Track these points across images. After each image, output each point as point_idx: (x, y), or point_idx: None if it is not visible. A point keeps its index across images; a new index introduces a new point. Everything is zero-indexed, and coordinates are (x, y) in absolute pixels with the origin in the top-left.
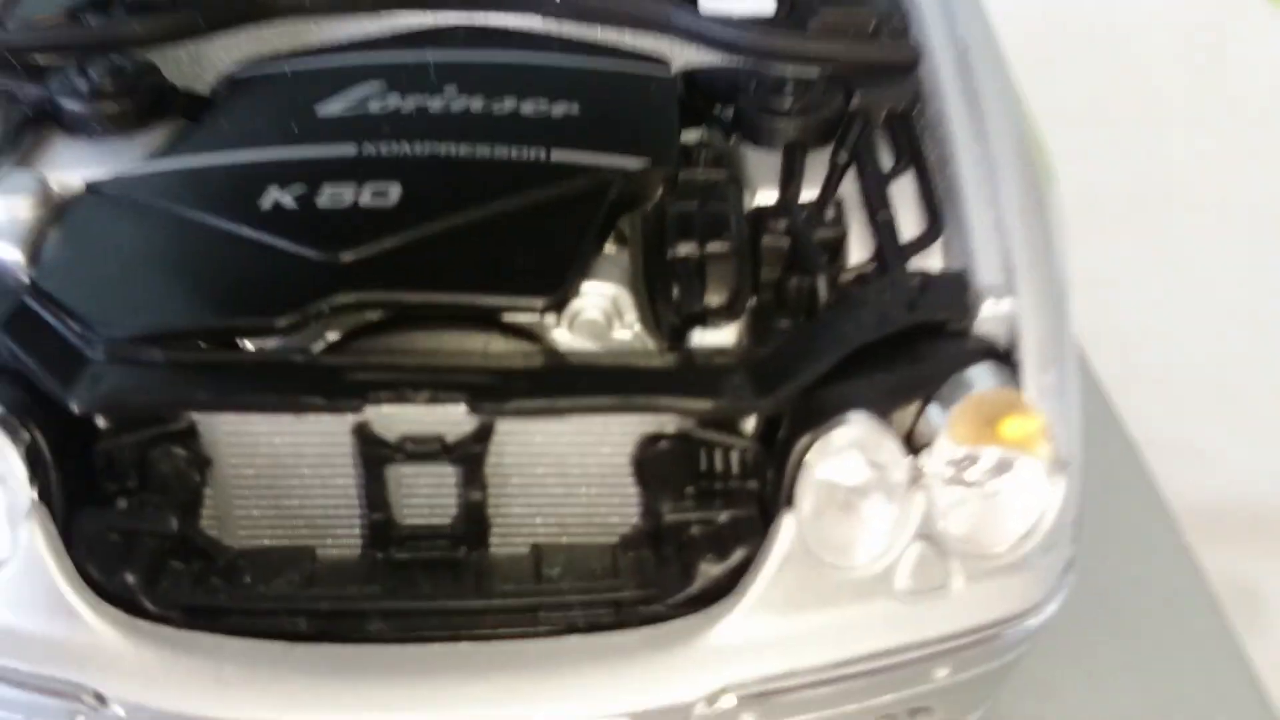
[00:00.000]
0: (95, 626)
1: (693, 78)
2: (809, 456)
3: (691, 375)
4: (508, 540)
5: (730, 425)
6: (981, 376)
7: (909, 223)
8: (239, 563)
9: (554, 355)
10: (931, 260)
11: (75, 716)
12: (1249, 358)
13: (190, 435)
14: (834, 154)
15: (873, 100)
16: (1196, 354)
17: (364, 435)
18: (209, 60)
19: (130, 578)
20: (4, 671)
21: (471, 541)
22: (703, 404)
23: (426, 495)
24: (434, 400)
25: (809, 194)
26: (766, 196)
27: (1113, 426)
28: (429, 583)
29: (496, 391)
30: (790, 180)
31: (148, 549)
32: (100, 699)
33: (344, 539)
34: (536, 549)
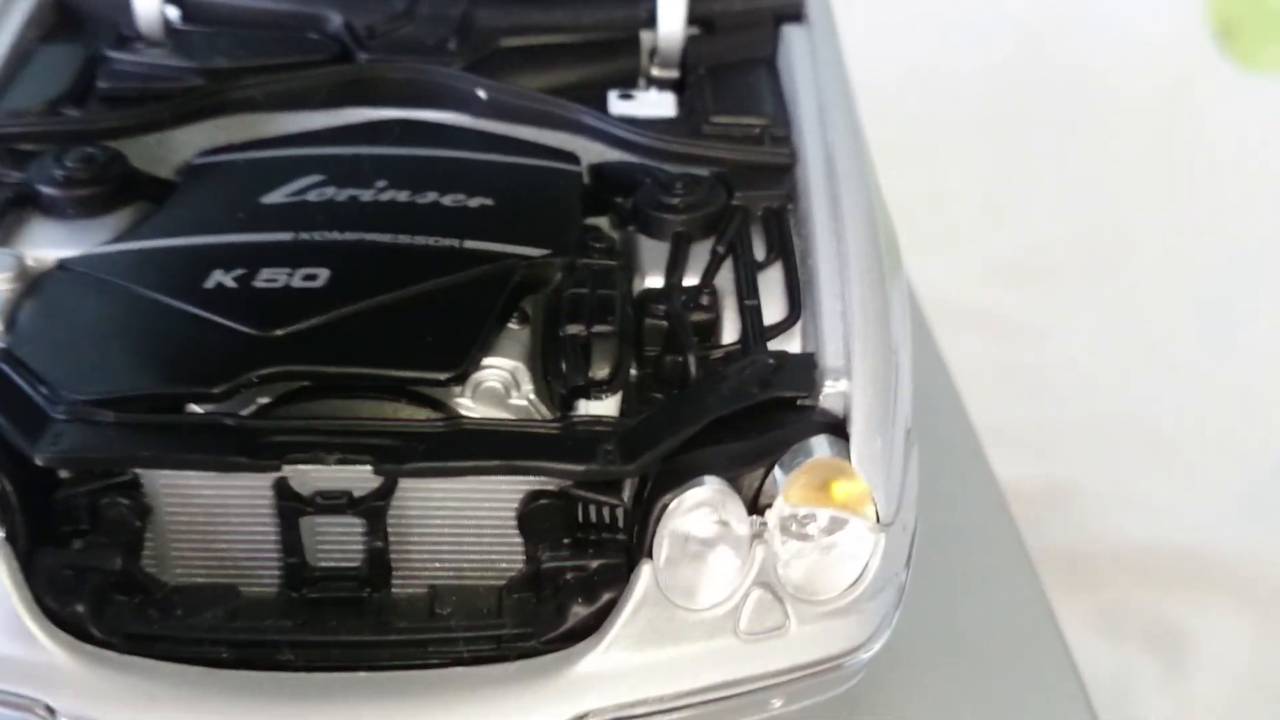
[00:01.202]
0: (48, 649)
1: (599, 171)
2: (666, 513)
3: (569, 442)
4: (408, 582)
5: (604, 485)
6: (819, 446)
7: (774, 308)
8: (173, 597)
9: (451, 421)
10: (792, 342)
11: None
12: (1182, 407)
13: (134, 486)
14: (714, 245)
15: (752, 198)
16: (1132, 402)
17: (281, 490)
18: (172, 147)
19: (80, 608)
20: None
21: (375, 583)
22: (577, 467)
23: (336, 543)
24: (343, 461)
25: (691, 280)
26: (655, 281)
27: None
28: (336, 619)
29: (398, 453)
30: (674, 268)
31: (95, 583)
32: (50, 711)
33: (265, 579)
34: (432, 590)
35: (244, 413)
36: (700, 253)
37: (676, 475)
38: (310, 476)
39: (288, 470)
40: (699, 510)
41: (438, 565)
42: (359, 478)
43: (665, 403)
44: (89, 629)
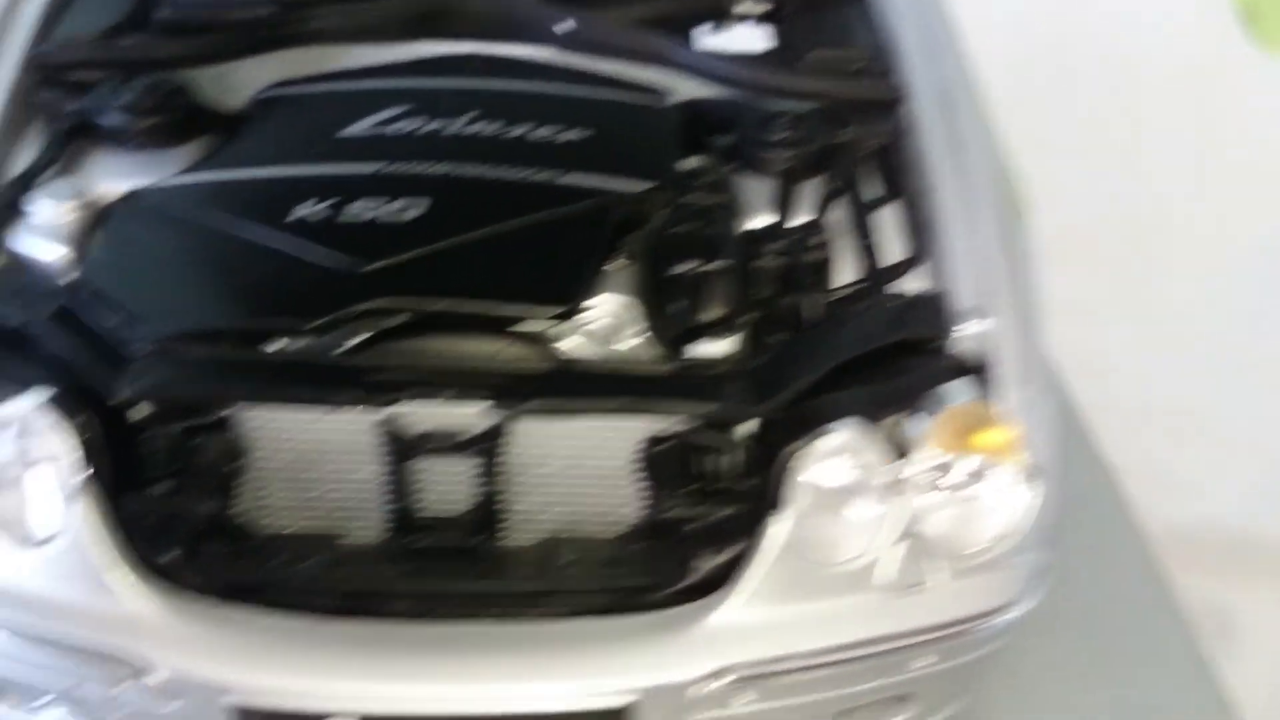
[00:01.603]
0: (139, 600)
1: (692, 108)
2: (799, 461)
3: (693, 382)
4: (518, 532)
5: (728, 429)
6: (962, 389)
7: (892, 249)
8: (268, 546)
9: (566, 360)
10: (911, 286)
11: (118, 684)
12: (1225, 387)
13: (226, 426)
14: (824, 183)
15: (860, 134)
16: (1174, 383)
17: (390, 430)
18: (237, 79)
19: (170, 556)
20: (52, 641)
21: (484, 531)
22: (703, 408)
23: (443, 488)
24: (457, 399)
25: (800, 220)
26: (760, 221)
27: (1086, 450)
28: (445, 568)
29: (515, 392)
30: (783, 206)
31: (186, 530)
32: (142, 668)
33: (364, 527)
34: (545, 540)
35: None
36: (807, 192)
37: (809, 419)
38: (418, 416)
39: (395, 409)
40: (836, 457)
41: (549, 513)
42: (471, 418)
43: (789, 343)
44: (183, 577)
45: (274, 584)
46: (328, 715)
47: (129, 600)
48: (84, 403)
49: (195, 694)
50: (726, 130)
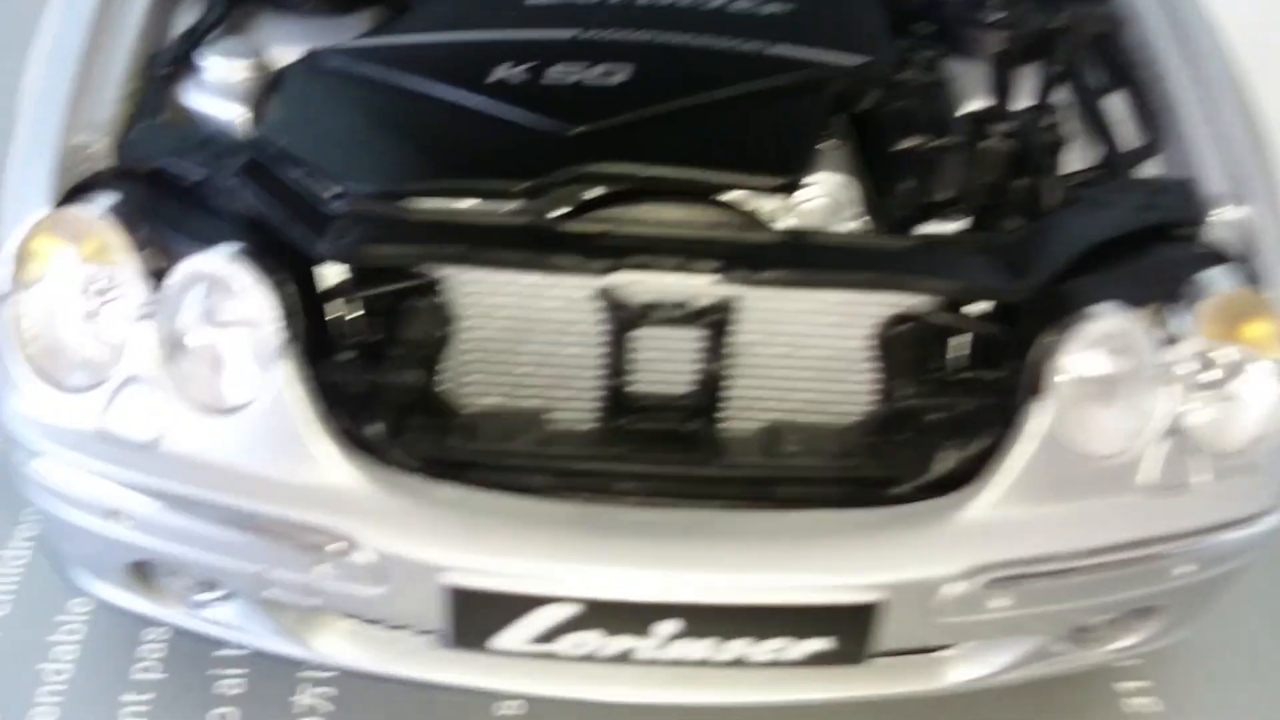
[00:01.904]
0: (344, 473)
1: None
2: (1060, 346)
3: (941, 256)
4: (738, 417)
5: (975, 311)
6: (1222, 278)
7: (1125, 136)
8: (475, 422)
9: (800, 230)
10: (1149, 172)
11: (317, 565)
12: None
13: (432, 292)
14: (1045, 66)
15: (1078, 20)
16: None
17: (611, 299)
18: None
19: (376, 427)
20: (245, 517)
21: (705, 414)
22: (959, 284)
23: (661, 365)
24: (684, 267)
25: (1021, 105)
26: (977, 104)
27: None
28: (664, 451)
29: (748, 261)
30: (1000, 90)
31: (391, 401)
32: (349, 545)
33: (571, 406)
34: (769, 426)
35: None
36: (1022, 78)
37: (1066, 303)
38: (642, 285)
39: (618, 276)
40: (1099, 343)
41: (771, 398)
42: (697, 289)
43: (1037, 225)
44: (387, 452)
45: (484, 462)
46: (549, 599)
47: (333, 473)
48: (276, 256)
49: (406, 575)
50: (929, 13)
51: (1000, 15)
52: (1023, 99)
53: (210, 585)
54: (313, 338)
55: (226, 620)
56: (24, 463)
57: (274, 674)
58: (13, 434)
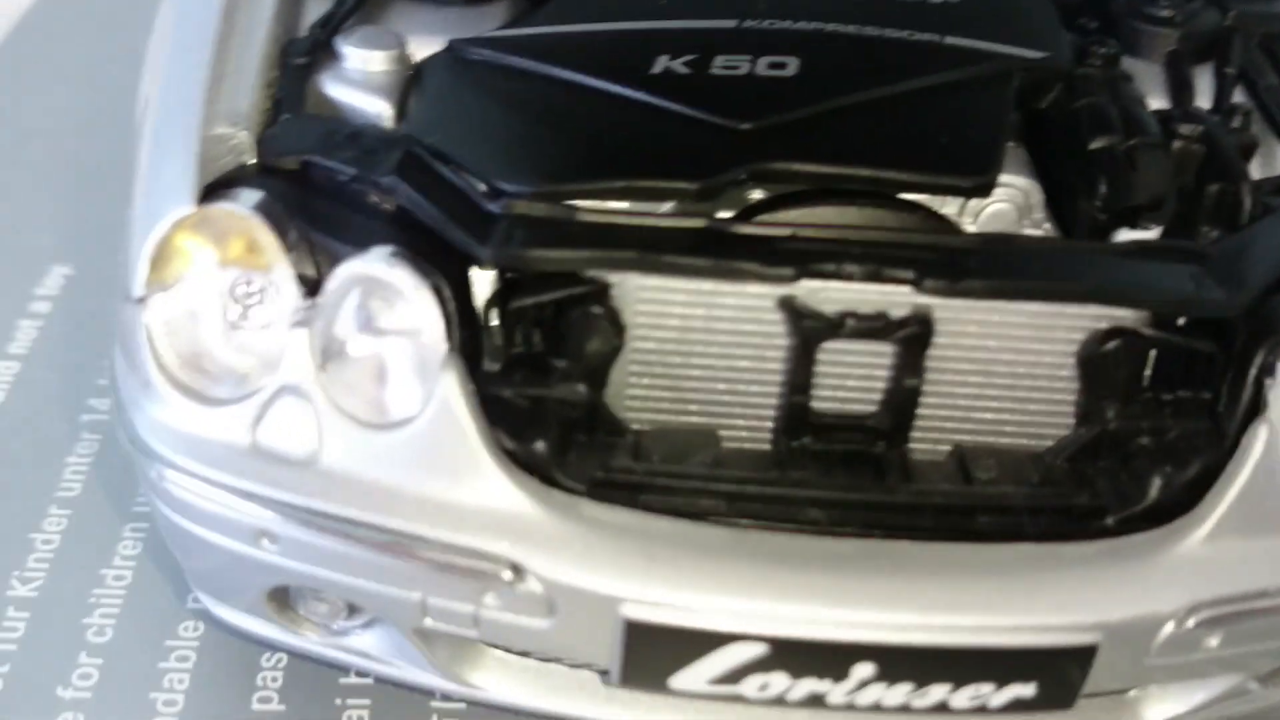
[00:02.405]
0: (512, 495)
1: None
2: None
3: (1154, 266)
4: (927, 438)
5: (1189, 326)
6: None
7: None
8: (643, 440)
9: (996, 236)
10: None
11: (485, 594)
12: None
13: (601, 300)
14: (1221, 66)
15: (1248, 19)
16: None
17: (795, 309)
18: None
19: (541, 446)
20: (408, 540)
21: (894, 435)
22: (1178, 295)
23: (846, 383)
24: (877, 276)
25: (1201, 104)
26: (1152, 105)
27: None
28: (849, 475)
29: (945, 269)
30: (1181, 89)
31: (555, 417)
32: (517, 572)
33: (747, 423)
34: (959, 449)
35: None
36: (1197, 79)
37: (1277, 317)
38: (824, 295)
39: (802, 285)
40: None
41: (964, 418)
42: (888, 299)
43: (1241, 235)
44: (554, 472)
45: (655, 485)
46: (734, 636)
47: (501, 495)
48: (433, 259)
49: (579, 606)
50: (1093, 9)
51: (1171, 13)
52: (1198, 100)
53: (353, 611)
54: (474, 348)
55: (369, 650)
56: (157, 477)
57: (402, 702)
58: (145, 446)
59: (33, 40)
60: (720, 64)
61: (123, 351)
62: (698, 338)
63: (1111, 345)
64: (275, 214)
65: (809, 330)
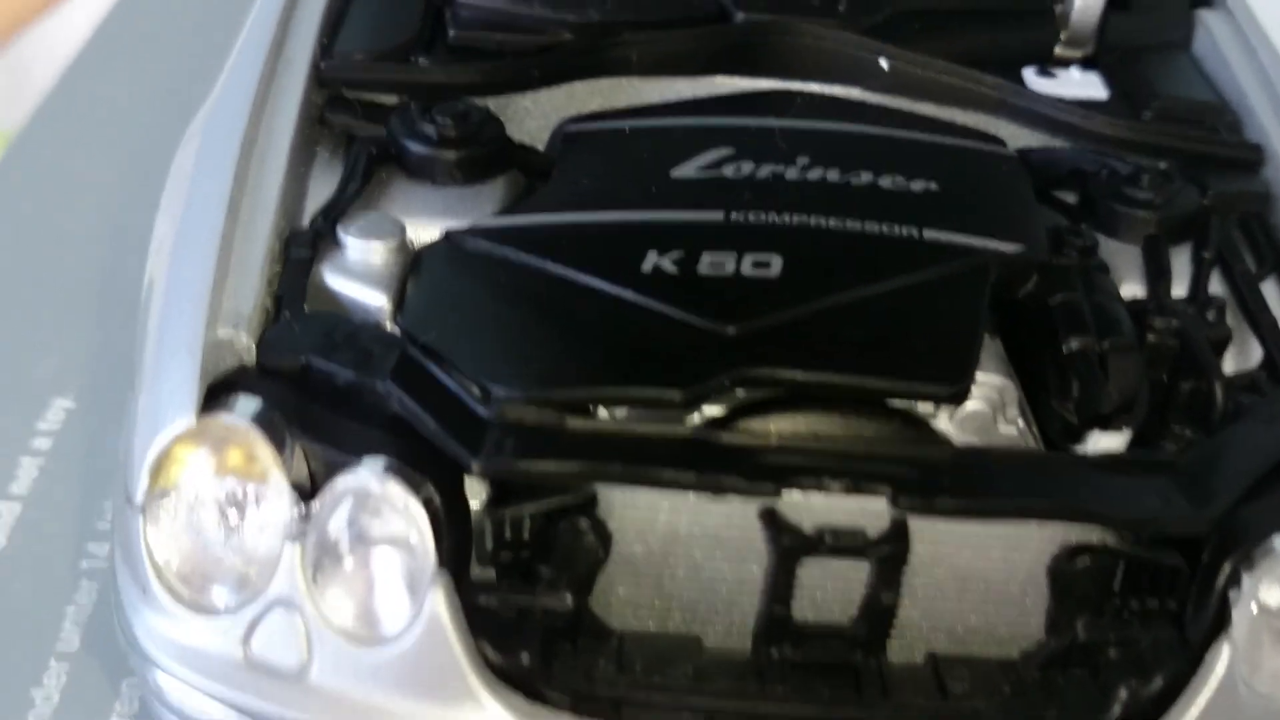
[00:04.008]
0: (499, 715)
1: (1025, 156)
2: (1244, 579)
3: (1122, 482)
4: (901, 647)
5: (1153, 539)
6: None
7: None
8: (625, 648)
9: (971, 449)
10: None
11: None
12: None
13: (593, 507)
14: (1198, 250)
15: (1225, 197)
16: None
17: (776, 523)
18: (528, 108)
19: (526, 658)
20: None
21: (870, 646)
22: (1145, 514)
23: (825, 590)
24: (854, 490)
25: (1178, 292)
26: (1128, 291)
27: None
28: (828, 687)
29: (920, 486)
30: (1159, 276)
31: (541, 627)
32: None
33: (725, 630)
34: (933, 659)
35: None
36: (1174, 261)
37: (1247, 531)
38: (805, 508)
39: (784, 498)
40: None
41: (936, 628)
42: (867, 513)
43: (1212, 442)
44: (537, 686)
45: (638, 699)
46: None
47: (488, 715)
48: (427, 469)
49: None
50: (1069, 185)
51: (1150, 195)
52: (1175, 285)
53: None
54: (463, 556)
55: None
56: (150, 679)
57: None
58: (141, 648)
59: (27, 160)
60: (707, 261)
61: (121, 553)
62: (682, 544)
63: (1081, 560)
64: (272, 423)
65: (788, 546)
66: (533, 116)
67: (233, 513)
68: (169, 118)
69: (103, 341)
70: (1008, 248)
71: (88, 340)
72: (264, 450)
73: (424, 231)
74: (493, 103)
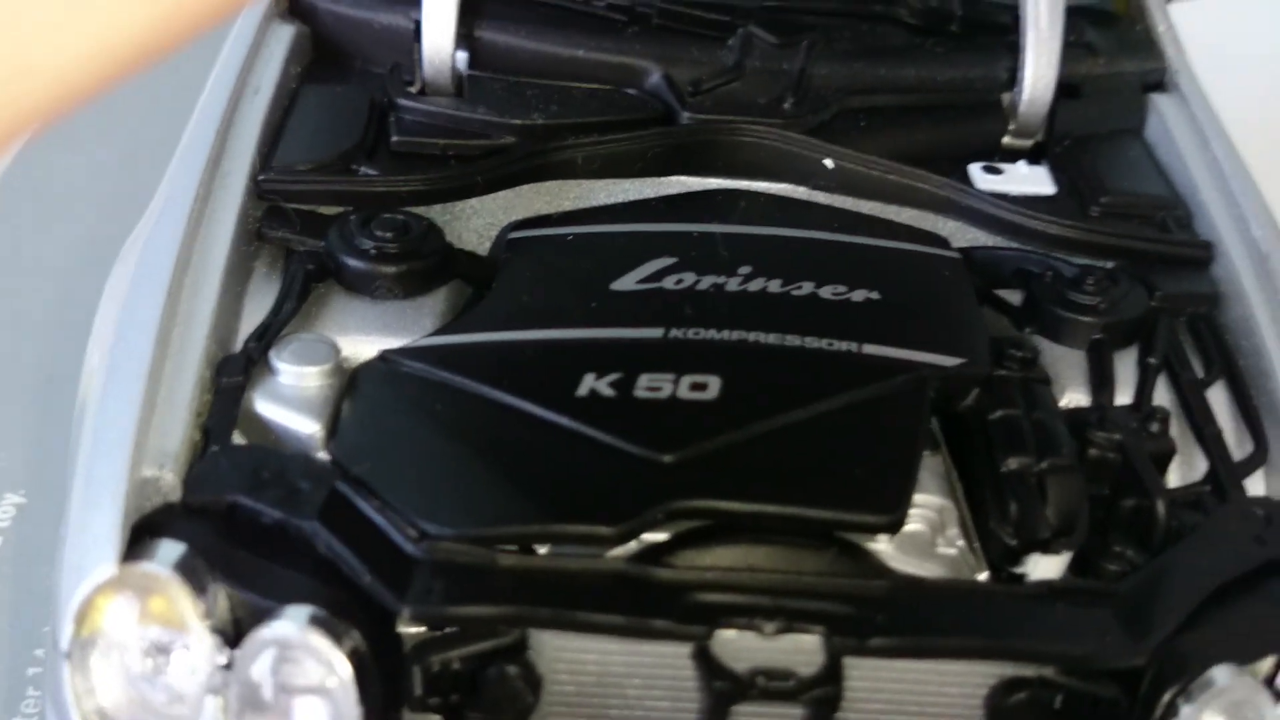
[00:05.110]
0: None
1: (968, 256)
2: (1184, 710)
3: (1058, 615)
4: None
5: (1095, 672)
6: None
7: (1228, 440)
8: None
9: (906, 583)
10: (1254, 484)
11: None
12: None
13: (522, 650)
14: (1143, 357)
15: (1173, 298)
16: None
17: (709, 664)
18: (471, 213)
19: None
20: None
21: None
22: (1079, 651)
23: None
24: (788, 631)
25: (1122, 401)
26: (1071, 398)
27: None
28: None
29: (853, 625)
30: (1102, 385)
31: None
32: None
33: None
34: None
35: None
36: (1120, 366)
37: (1184, 663)
38: (739, 647)
39: (716, 638)
40: (1218, 708)
41: None
42: (800, 652)
43: (1151, 569)
44: None
45: None
46: None
47: None
48: (352, 617)
49: None
50: (1013, 285)
51: (1094, 299)
52: (1118, 390)
53: None
54: (394, 699)
55: None
56: None
57: None
58: None
59: None
60: (645, 384)
61: (51, 701)
62: (616, 683)
63: (1018, 694)
64: (195, 570)
65: (719, 690)
66: (480, 215)
67: (159, 658)
68: (123, 201)
69: (55, 435)
70: (948, 361)
71: (39, 433)
72: (184, 600)
73: (364, 350)
74: (446, 207)
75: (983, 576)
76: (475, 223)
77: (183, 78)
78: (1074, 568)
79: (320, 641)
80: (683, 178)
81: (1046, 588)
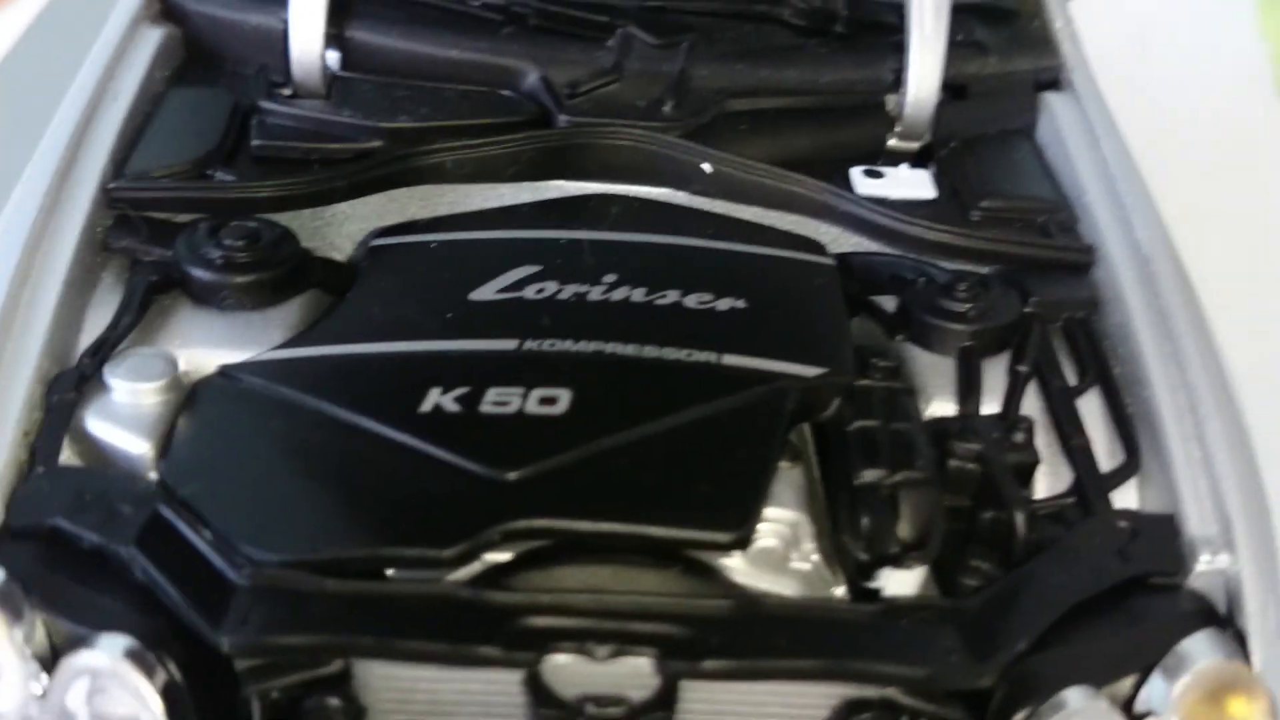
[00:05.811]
0: None
1: (846, 263)
2: None
3: (901, 634)
4: None
5: (937, 692)
6: (1205, 646)
7: (1099, 450)
8: None
9: (745, 602)
10: (1128, 495)
11: None
12: None
13: (345, 680)
14: (1014, 364)
15: (1048, 304)
16: None
17: (538, 691)
18: (337, 220)
19: None
20: None
21: None
22: (919, 672)
23: None
24: (620, 655)
25: (989, 410)
26: (938, 407)
27: None
28: None
29: (688, 647)
30: (969, 393)
31: None
32: None
33: None
34: None
35: (466, 577)
36: (991, 373)
37: (1035, 684)
38: (571, 671)
39: (546, 663)
40: None
41: None
42: (634, 675)
43: (1006, 584)
44: None
45: None
46: None
47: None
48: (168, 647)
49: None
50: (887, 291)
51: (964, 306)
52: (990, 401)
53: None
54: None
55: None
56: None
57: None
58: None
59: None
60: (492, 399)
61: None
62: (446, 712)
63: (862, 716)
64: (11, 596)
65: (548, 717)
66: (353, 221)
67: None
68: None
69: None
70: (809, 371)
71: None
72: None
73: (208, 365)
74: (307, 214)
75: (839, 592)
76: (349, 228)
77: (54, 84)
78: (938, 582)
79: (130, 672)
80: (561, 182)
81: (894, 605)
